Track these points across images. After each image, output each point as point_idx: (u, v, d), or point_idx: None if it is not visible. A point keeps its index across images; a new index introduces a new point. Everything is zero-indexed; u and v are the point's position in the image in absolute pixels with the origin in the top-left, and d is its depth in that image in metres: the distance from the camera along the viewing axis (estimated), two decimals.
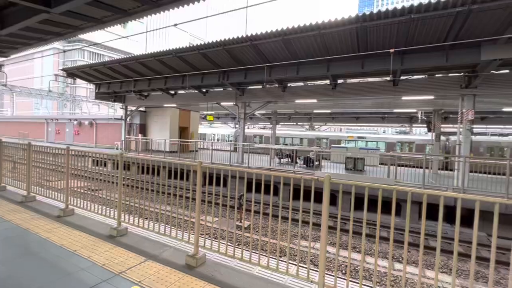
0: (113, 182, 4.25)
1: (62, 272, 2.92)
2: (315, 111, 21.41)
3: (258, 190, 11.42)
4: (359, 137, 23.46)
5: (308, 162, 13.19)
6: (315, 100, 13.60)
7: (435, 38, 8.07)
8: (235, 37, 9.89)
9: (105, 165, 4.90)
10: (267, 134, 27.17)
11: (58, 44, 52.59)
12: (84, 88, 51.05)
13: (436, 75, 10.46)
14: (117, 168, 4.09)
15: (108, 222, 4.47)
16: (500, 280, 6.02)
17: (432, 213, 4.48)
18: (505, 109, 15.71)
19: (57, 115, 39.78)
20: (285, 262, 2.92)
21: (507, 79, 9.39)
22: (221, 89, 15.34)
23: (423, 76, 10.68)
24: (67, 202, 4.83)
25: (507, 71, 9.51)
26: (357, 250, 7.17)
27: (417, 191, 2.34)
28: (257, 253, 2.97)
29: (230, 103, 15.41)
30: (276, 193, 11.20)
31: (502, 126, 21.50)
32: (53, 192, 5.29)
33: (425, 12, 7.13)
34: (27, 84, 39.84)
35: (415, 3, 7.11)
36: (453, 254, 2.15)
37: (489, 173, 9.82)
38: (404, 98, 11.58)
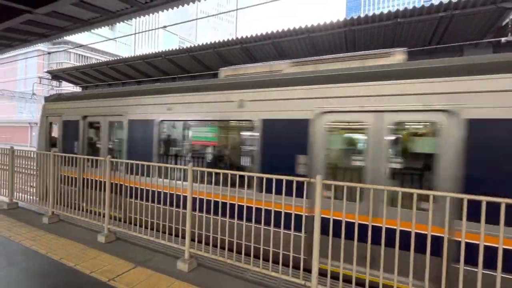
0: (101, 189, 4.14)
1: (47, 282, 2.80)
2: None
3: None
4: None
5: None
6: None
7: (420, 41, 8.33)
8: (226, 39, 9.90)
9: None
10: None
11: (42, 46, 51.01)
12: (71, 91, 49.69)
13: None
14: None
15: (96, 228, 4.34)
16: None
17: None
18: None
19: None
20: (278, 264, 2.90)
21: None
22: None
23: None
24: (52, 209, 4.67)
25: None
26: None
27: None
28: (250, 257, 2.94)
29: None
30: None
31: None
32: (38, 199, 5.10)
33: (410, 17, 7.35)
34: (10, 87, 38.41)
35: (401, 8, 7.35)
36: None
37: None
38: None
